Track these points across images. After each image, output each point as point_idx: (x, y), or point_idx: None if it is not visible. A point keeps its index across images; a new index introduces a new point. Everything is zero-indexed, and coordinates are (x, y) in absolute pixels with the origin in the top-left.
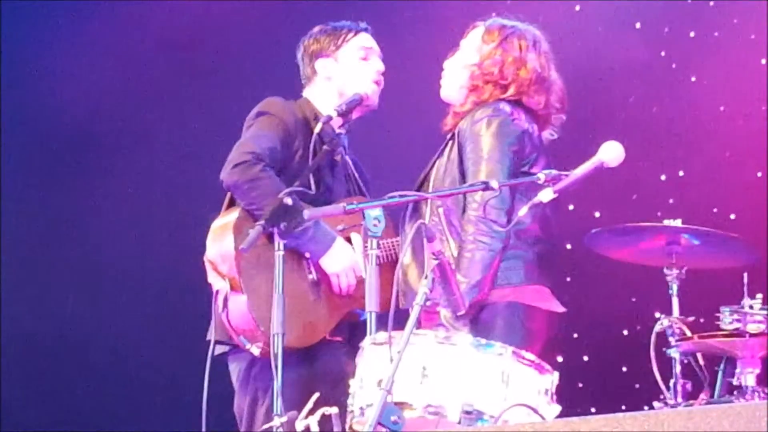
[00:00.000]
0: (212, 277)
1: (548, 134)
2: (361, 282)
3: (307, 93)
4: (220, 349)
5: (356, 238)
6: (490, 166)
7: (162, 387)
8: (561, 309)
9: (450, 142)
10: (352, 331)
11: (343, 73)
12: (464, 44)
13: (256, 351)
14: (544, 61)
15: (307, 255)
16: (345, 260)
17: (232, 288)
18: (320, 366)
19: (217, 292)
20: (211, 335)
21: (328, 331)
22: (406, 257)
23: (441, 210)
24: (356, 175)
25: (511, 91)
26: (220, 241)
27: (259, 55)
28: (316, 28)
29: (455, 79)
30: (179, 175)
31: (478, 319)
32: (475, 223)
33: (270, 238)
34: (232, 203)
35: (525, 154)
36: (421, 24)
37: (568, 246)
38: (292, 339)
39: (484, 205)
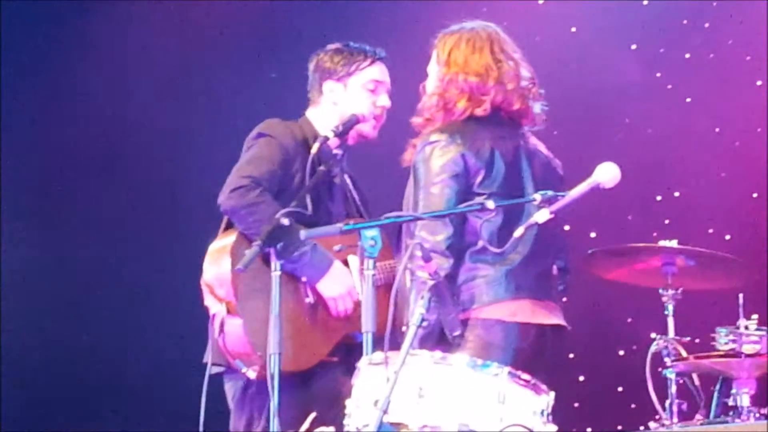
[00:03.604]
0: (209, 301)
1: (538, 110)
2: (358, 305)
3: (309, 113)
4: (216, 369)
5: (353, 260)
6: (426, 195)
7: (158, 407)
8: (544, 321)
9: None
10: (347, 351)
11: (349, 102)
12: (429, 70)
13: (252, 375)
14: (488, 57)
15: (304, 279)
16: (342, 284)
17: (228, 312)
18: (316, 386)
19: (214, 315)
20: (208, 358)
21: (324, 355)
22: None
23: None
24: (355, 196)
25: (459, 108)
26: (218, 264)
27: (258, 74)
28: (334, 46)
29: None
30: (178, 194)
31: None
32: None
33: (266, 262)
34: (229, 225)
35: (470, 175)
36: (425, 41)
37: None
38: (287, 363)
39: (426, 237)
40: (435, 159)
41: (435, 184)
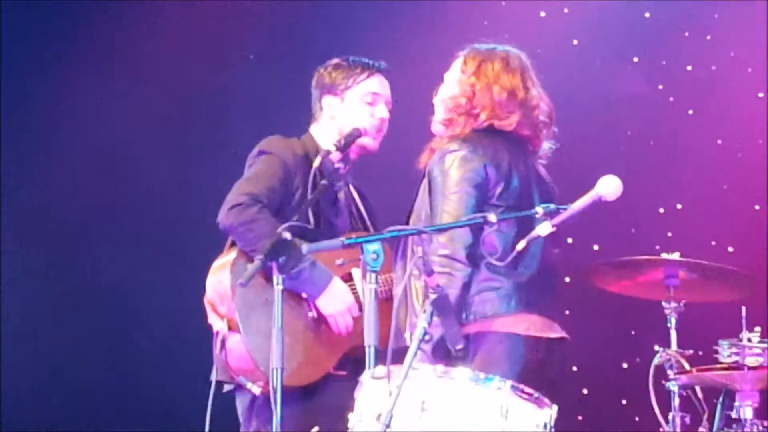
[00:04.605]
0: (212, 318)
1: (547, 147)
2: (362, 318)
3: (312, 129)
4: (227, 387)
5: (357, 272)
6: (450, 202)
7: (166, 425)
8: (553, 334)
9: (423, 180)
10: (357, 366)
11: (347, 115)
12: (446, 77)
13: (256, 390)
14: (519, 80)
15: (305, 296)
16: (341, 302)
17: (230, 328)
18: (321, 400)
19: (217, 333)
20: (213, 376)
21: (330, 368)
22: (397, 297)
23: (419, 249)
24: (362, 210)
25: (483, 117)
26: (218, 281)
27: (264, 93)
28: (334, 60)
29: (437, 114)
30: (184, 213)
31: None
32: (438, 263)
33: (267, 278)
34: (234, 244)
35: (489, 186)
36: (429, 54)
37: (567, 279)
38: (292, 378)
39: (446, 243)
40: (457, 168)
41: (456, 192)
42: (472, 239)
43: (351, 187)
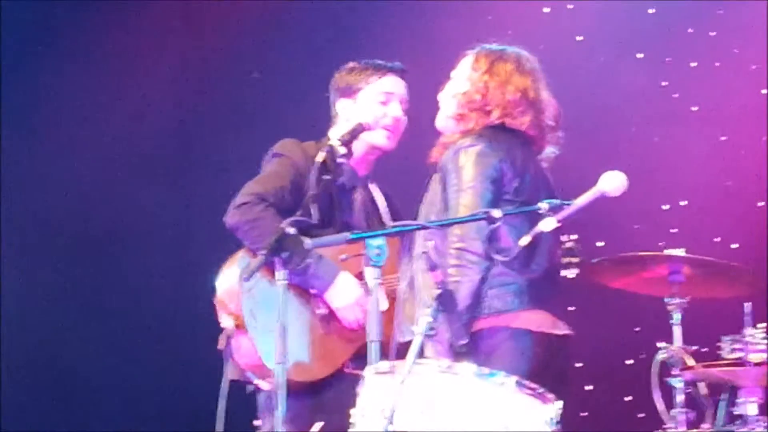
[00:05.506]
0: (221, 317)
1: (550, 152)
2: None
3: (330, 132)
4: (250, 388)
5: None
6: (467, 196)
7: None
8: (561, 331)
9: (434, 175)
10: None
11: (360, 115)
12: (454, 74)
13: (265, 386)
14: (530, 81)
15: (313, 291)
16: (349, 295)
17: (237, 326)
18: (333, 397)
19: (224, 330)
20: (225, 375)
21: (341, 364)
22: (401, 291)
23: (431, 244)
24: (381, 210)
25: (495, 115)
26: (227, 279)
27: (271, 97)
28: (349, 64)
29: (445, 109)
30: (191, 217)
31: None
32: (453, 256)
33: (274, 275)
34: None
35: (505, 182)
36: (433, 50)
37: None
38: (301, 373)
39: (462, 236)
40: (474, 163)
41: (473, 187)
42: (487, 233)
43: (373, 188)
